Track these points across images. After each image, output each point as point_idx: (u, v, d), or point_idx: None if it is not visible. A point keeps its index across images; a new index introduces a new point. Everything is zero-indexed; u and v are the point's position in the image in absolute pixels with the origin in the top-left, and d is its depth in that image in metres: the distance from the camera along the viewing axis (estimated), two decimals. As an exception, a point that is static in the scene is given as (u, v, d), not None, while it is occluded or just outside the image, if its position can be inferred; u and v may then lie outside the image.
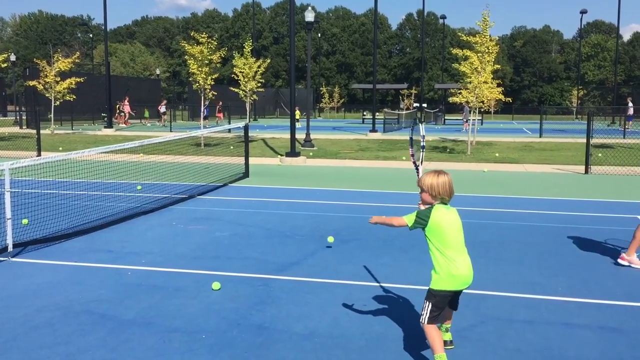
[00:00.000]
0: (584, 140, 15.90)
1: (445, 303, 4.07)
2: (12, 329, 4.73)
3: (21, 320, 4.92)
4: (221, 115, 41.03)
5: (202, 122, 24.79)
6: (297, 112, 42.19)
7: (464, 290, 4.19)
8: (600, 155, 17.56)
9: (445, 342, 4.22)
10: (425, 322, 3.99)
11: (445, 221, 3.99)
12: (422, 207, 4.13)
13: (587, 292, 5.74)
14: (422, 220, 4.00)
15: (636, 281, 6.09)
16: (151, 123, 42.44)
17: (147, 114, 43.72)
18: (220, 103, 39.18)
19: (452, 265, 3.98)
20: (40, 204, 9.30)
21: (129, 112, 44.45)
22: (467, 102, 22.28)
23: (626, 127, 29.85)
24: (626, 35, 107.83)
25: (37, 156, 16.40)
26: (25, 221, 8.35)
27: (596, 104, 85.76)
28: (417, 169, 5.07)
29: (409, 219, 4.06)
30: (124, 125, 42.29)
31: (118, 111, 43.69)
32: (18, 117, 39.79)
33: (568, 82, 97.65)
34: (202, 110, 23.83)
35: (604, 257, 7.05)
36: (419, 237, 8.03)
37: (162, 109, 44.23)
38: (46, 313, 5.08)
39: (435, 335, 3.99)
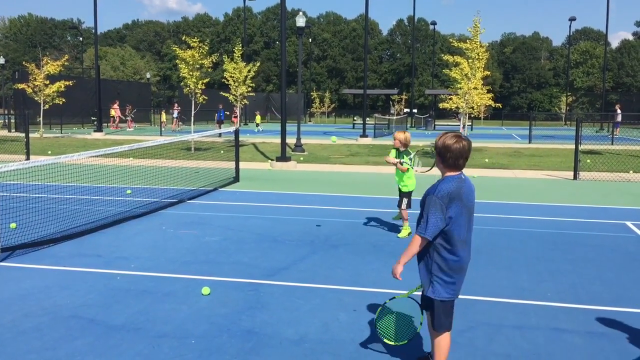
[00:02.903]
0: (573, 147, 16.01)
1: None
2: (-1, 334, 4.69)
3: (9, 325, 4.89)
4: (237, 120, 40.52)
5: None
6: (258, 117, 42.29)
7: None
8: (588, 161, 17.69)
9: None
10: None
11: None
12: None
13: (575, 297, 5.77)
14: None
15: (623, 287, 6.14)
16: (165, 127, 41.76)
17: (164, 117, 43.16)
18: (238, 107, 38.56)
19: None
20: (28, 208, 9.24)
21: (119, 117, 44.24)
22: (457, 109, 22.39)
23: (614, 133, 30.14)
24: (614, 43, 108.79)
25: (26, 160, 16.29)
26: (13, 225, 8.29)
27: (585, 110, 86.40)
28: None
29: None
30: (115, 129, 42.12)
31: (114, 117, 43.46)
32: (7, 121, 39.50)
33: (557, 88, 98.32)
34: (218, 114, 23.58)
35: (592, 262, 7.10)
36: (408, 242, 8.06)
37: (175, 113, 43.96)
38: (34, 318, 5.05)
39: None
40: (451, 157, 3.69)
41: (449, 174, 3.76)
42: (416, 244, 3.77)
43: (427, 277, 3.84)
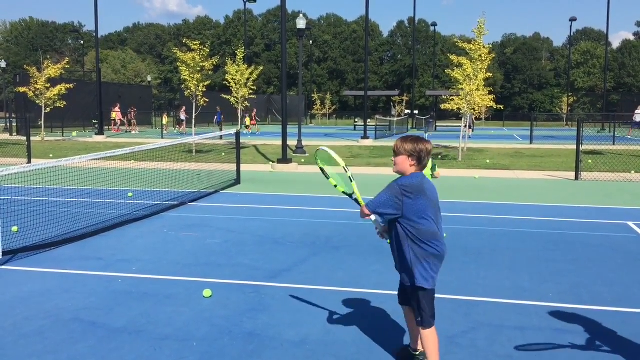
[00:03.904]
0: (574, 147, 16.00)
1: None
2: (1, 338, 4.69)
3: (10, 328, 4.89)
4: (254, 123, 40.19)
5: (190, 128, 24.73)
6: (247, 119, 42.21)
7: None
8: (590, 161, 17.67)
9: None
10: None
11: None
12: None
13: (577, 298, 5.76)
14: None
15: (625, 287, 6.13)
16: (168, 130, 41.66)
17: (165, 120, 43.12)
18: (255, 110, 38.21)
19: None
20: (30, 212, 9.25)
21: (120, 120, 44.29)
22: (459, 109, 22.38)
23: (628, 134, 30.14)
24: (615, 43, 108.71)
25: (28, 163, 16.31)
26: (15, 229, 8.30)
27: (586, 110, 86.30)
28: None
29: None
30: (116, 132, 42.18)
31: (115, 120, 43.48)
32: (8, 124, 39.56)
33: (558, 89, 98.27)
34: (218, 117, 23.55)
35: (594, 263, 7.09)
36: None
37: (182, 116, 44.03)
38: (36, 321, 5.05)
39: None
40: (426, 159, 3.95)
41: (414, 172, 3.95)
42: (361, 211, 4.18)
43: (408, 269, 3.94)
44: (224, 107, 38.55)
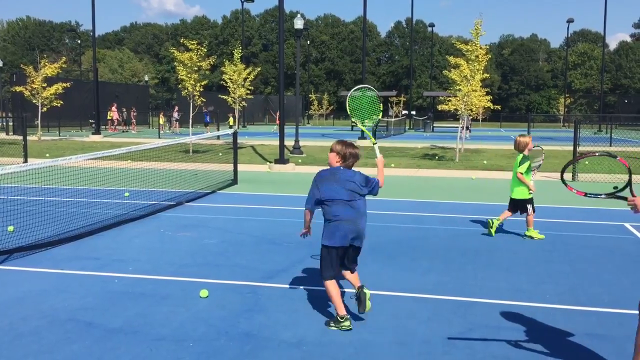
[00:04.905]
0: (571, 148, 16.02)
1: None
2: (-4, 338, 4.67)
3: (6, 328, 4.87)
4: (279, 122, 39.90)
5: (190, 129, 24.71)
6: (231, 119, 42.22)
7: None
8: (587, 162, 17.68)
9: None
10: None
11: None
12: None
13: (574, 299, 5.76)
14: None
15: (623, 288, 6.13)
16: (163, 130, 41.59)
17: (162, 120, 43.04)
18: (278, 113, 38.12)
19: None
20: (26, 211, 9.22)
21: (116, 119, 44.24)
22: (456, 111, 22.40)
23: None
24: (612, 44, 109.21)
25: (24, 163, 16.26)
26: (11, 228, 8.27)
27: (583, 112, 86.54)
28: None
29: None
30: (113, 131, 42.13)
31: (112, 120, 43.41)
32: (4, 123, 39.47)
33: (555, 90, 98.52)
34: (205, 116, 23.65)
35: (591, 264, 7.09)
36: (408, 244, 8.06)
37: (176, 115, 44.01)
38: (32, 321, 5.03)
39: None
40: (350, 159, 5.04)
41: (338, 166, 5.04)
42: (305, 214, 5.31)
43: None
44: (220, 107, 38.47)
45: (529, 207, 8.40)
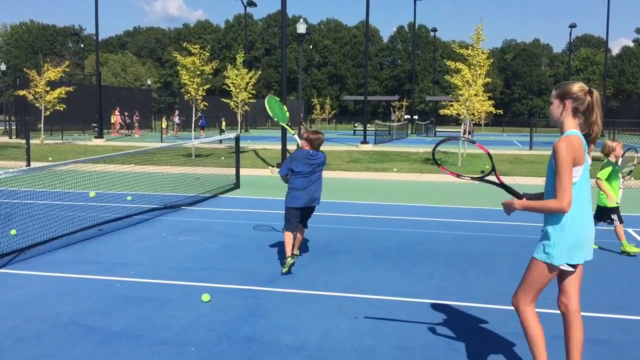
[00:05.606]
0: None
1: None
2: (-2, 341, 4.67)
3: (8, 332, 4.87)
4: (303, 126, 39.90)
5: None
6: (224, 123, 42.38)
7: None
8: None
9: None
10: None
11: None
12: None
13: (576, 304, 5.74)
14: None
15: (624, 293, 6.12)
16: (167, 134, 41.62)
17: (164, 124, 43.09)
18: (302, 115, 38.03)
19: None
20: (28, 215, 9.23)
21: (119, 123, 44.32)
22: (459, 115, 22.39)
23: None
24: (615, 49, 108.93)
25: (27, 166, 16.31)
26: (13, 232, 8.28)
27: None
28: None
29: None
30: (116, 135, 42.20)
31: (114, 124, 43.48)
32: (8, 127, 39.57)
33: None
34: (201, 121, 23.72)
35: (593, 269, 7.07)
36: (409, 249, 8.05)
37: (177, 119, 44.09)
38: (33, 325, 5.03)
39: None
40: (315, 142, 6.85)
41: (307, 150, 6.85)
42: (282, 179, 7.02)
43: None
44: (224, 111, 38.52)
45: (614, 216, 7.78)
